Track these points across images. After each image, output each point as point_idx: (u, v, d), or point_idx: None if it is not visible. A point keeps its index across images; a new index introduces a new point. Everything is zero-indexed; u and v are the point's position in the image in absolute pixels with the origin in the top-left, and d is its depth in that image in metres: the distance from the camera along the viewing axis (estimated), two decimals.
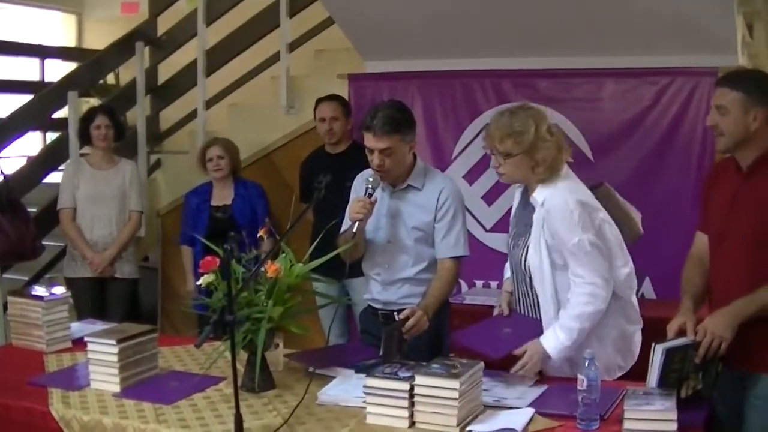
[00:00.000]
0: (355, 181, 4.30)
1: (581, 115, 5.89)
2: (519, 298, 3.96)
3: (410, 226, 4.12)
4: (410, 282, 4.16)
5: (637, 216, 4.87)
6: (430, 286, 4.09)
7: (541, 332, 3.73)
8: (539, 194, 3.74)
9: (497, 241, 5.88)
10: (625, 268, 3.83)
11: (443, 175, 4.33)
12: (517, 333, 3.78)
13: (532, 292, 3.84)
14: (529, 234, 3.79)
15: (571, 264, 3.69)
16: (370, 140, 3.99)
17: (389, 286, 4.19)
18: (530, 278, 3.81)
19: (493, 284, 5.94)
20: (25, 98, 7.55)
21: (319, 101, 6.05)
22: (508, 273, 4.10)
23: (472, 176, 6.12)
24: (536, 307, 3.85)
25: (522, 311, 3.95)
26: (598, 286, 3.66)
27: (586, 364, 3.15)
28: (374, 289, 4.26)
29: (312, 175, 5.42)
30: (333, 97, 6.06)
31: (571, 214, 3.65)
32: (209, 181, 6.32)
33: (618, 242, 3.83)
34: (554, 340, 3.67)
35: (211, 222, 6.15)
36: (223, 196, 6.26)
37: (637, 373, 3.72)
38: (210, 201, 6.26)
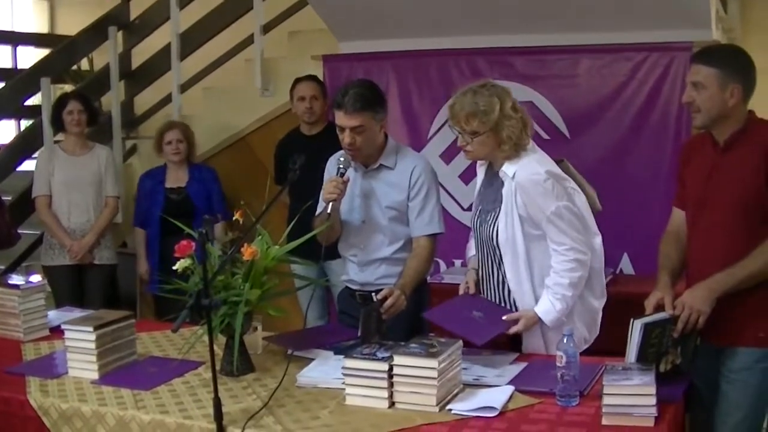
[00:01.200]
0: (328, 163, 4.27)
1: (557, 92, 5.88)
2: (484, 276, 3.99)
3: (384, 206, 4.11)
4: (387, 262, 4.14)
5: (594, 192, 4.90)
6: (406, 266, 4.08)
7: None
8: (509, 168, 3.77)
9: None
10: (597, 237, 3.89)
11: (415, 153, 4.31)
12: (490, 318, 3.79)
13: (499, 268, 3.87)
14: (499, 209, 3.81)
15: (551, 233, 3.72)
16: (341, 118, 3.97)
17: (366, 267, 4.18)
18: (500, 253, 3.83)
19: None
20: None
21: (297, 81, 6.04)
22: (472, 251, 4.12)
23: (448, 155, 6.10)
24: (501, 285, 3.89)
25: (486, 289, 3.98)
26: (580, 251, 3.73)
27: (565, 341, 3.16)
28: (351, 271, 4.25)
29: (287, 156, 5.39)
30: (311, 77, 6.07)
31: (545, 184, 3.70)
32: (163, 164, 6.31)
33: (588, 211, 3.89)
34: (549, 307, 3.73)
35: (167, 204, 6.17)
36: (177, 178, 6.28)
37: (602, 346, 3.80)
38: (164, 183, 6.28)
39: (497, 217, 3.82)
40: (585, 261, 3.75)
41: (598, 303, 3.95)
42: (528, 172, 3.73)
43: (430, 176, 4.13)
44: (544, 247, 3.77)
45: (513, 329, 3.74)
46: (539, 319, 3.75)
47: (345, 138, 3.98)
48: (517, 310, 3.83)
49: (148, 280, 6.33)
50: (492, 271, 3.92)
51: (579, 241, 3.73)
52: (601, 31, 5.71)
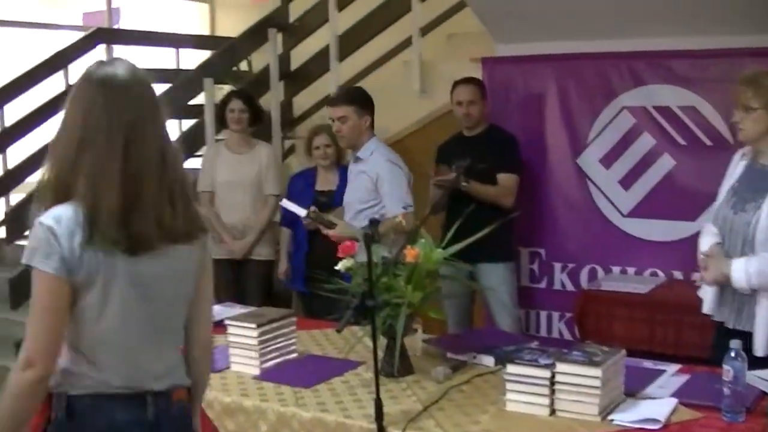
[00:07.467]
0: None
1: (720, 96, 5.68)
2: None
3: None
4: None
5: None
6: None
7: None
8: None
9: (635, 227, 5.79)
10: None
11: None
12: None
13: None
14: (762, 199, 3.75)
15: None
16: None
17: None
18: (754, 245, 3.74)
19: (630, 270, 5.84)
20: (161, 87, 7.70)
21: (456, 84, 5.95)
22: (704, 247, 3.97)
23: (608, 160, 6.00)
24: None
25: None
26: None
27: (732, 354, 3.07)
28: None
29: (448, 159, 5.38)
30: (470, 80, 5.92)
31: None
32: (314, 165, 6.37)
33: None
34: (743, 265, 3.66)
35: (315, 205, 6.19)
36: (327, 181, 6.28)
37: None
38: (315, 185, 6.30)
39: (760, 206, 3.74)
40: None
41: None
42: None
43: None
44: None
45: (708, 279, 3.72)
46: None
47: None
48: None
49: (285, 281, 6.43)
50: None
51: None
52: (765, 33, 5.54)
